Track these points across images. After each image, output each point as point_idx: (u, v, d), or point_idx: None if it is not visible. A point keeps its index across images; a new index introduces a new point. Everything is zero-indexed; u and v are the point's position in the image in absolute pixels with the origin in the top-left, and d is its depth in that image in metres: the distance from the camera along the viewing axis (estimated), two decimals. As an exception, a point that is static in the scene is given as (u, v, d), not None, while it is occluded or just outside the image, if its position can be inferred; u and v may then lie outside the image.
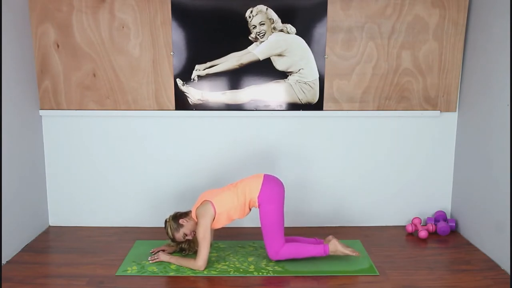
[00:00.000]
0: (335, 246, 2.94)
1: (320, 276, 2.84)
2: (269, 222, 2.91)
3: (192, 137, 3.55)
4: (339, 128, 3.55)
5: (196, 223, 2.96)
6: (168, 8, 3.32)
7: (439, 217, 3.59)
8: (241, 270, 2.91)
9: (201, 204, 2.96)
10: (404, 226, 3.63)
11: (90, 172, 3.58)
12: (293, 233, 3.22)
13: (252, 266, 2.96)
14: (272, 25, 3.36)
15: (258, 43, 3.38)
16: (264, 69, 3.41)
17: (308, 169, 3.60)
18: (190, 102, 3.46)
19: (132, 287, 2.72)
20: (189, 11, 3.33)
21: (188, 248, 3.07)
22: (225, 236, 3.37)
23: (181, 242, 3.04)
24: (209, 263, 2.94)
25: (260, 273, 2.87)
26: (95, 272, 2.89)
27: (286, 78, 3.44)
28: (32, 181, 3.40)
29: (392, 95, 3.48)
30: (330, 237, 3.04)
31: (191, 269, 2.89)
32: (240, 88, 3.45)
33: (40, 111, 3.46)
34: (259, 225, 2.95)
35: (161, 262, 2.99)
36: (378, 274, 2.87)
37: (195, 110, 3.46)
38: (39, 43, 3.35)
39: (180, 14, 3.33)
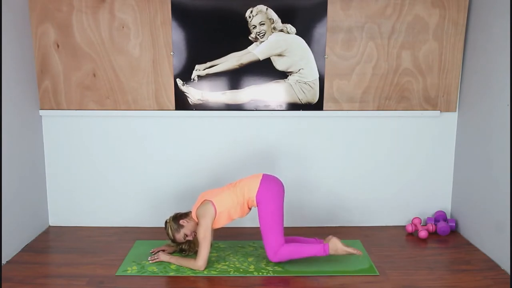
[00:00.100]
0: (335, 245, 2.91)
1: (320, 276, 2.84)
2: (267, 221, 2.90)
3: (192, 137, 3.55)
4: (339, 128, 3.55)
5: (197, 224, 2.96)
6: (168, 8, 3.32)
7: (439, 217, 3.59)
8: (241, 270, 2.91)
9: (201, 204, 2.96)
10: (404, 226, 3.63)
11: (90, 172, 3.59)
12: (293, 233, 3.21)
13: (252, 266, 2.96)
14: (272, 25, 3.36)
15: (258, 43, 3.38)
16: (264, 69, 3.41)
17: (308, 169, 3.60)
18: (190, 102, 3.46)
19: (132, 287, 2.72)
20: (189, 11, 3.33)
21: (188, 248, 3.07)
22: (225, 236, 3.37)
23: (182, 243, 3.03)
24: (209, 263, 2.94)
25: (260, 273, 2.87)
26: (95, 272, 2.89)
27: (286, 78, 3.44)
28: (32, 181, 3.40)
29: (392, 95, 3.48)
30: (330, 236, 3.03)
31: (191, 269, 2.89)
32: (240, 88, 3.45)
33: (40, 111, 3.46)
34: (259, 225, 2.95)
35: (161, 262, 2.99)
36: (378, 274, 2.87)
37: (195, 110, 3.46)
38: (39, 43, 3.35)
39: (180, 14, 3.33)
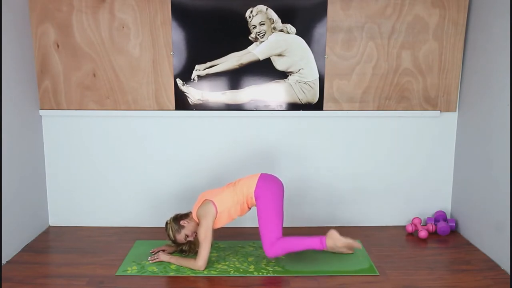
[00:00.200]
0: (333, 237, 2.87)
1: (320, 276, 2.84)
2: (265, 215, 2.89)
3: (192, 137, 3.55)
4: (339, 128, 3.55)
5: (197, 224, 2.96)
6: (168, 8, 3.32)
7: (439, 217, 3.59)
8: (241, 270, 2.91)
9: (202, 203, 2.96)
10: (404, 226, 3.63)
11: (90, 172, 3.59)
12: (293, 233, 3.19)
13: (252, 266, 2.96)
14: (272, 25, 3.36)
15: (258, 43, 3.38)
16: (264, 69, 3.41)
17: (308, 169, 3.60)
18: (190, 102, 3.46)
19: (132, 287, 2.72)
20: (189, 11, 3.33)
21: (188, 249, 3.07)
22: (225, 236, 3.37)
23: (182, 244, 3.03)
24: (209, 263, 2.94)
25: (260, 273, 2.87)
26: (95, 272, 2.89)
27: (286, 78, 3.44)
28: (32, 181, 3.40)
29: (392, 95, 3.48)
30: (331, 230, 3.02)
31: (191, 269, 2.89)
32: (240, 88, 3.45)
33: (40, 111, 3.46)
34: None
35: (161, 262, 2.99)
36: (378, 274, 2.87)
37: (195, 110, 3.46)
38: (39, 43, 3.35)
39: (180, 14, 3.33)
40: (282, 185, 3.06)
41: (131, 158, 3.57)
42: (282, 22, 3.36)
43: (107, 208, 3.63)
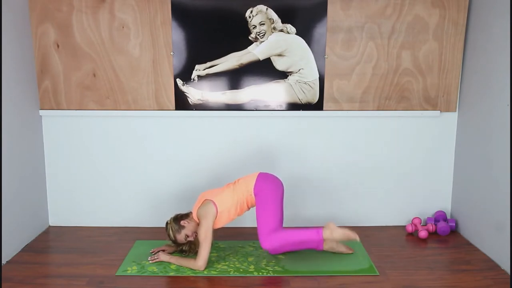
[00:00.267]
0: (330, 227, 2.88)
1: (320, 276, 2.84)
2: (262, 209, 2.91)
3: (192, 137, 3.55)
4: (339, 128, 3.55)
5: (198, 224, 2.96)
6: (168, 8, 3.32)
7: (439, 217, 3.59)
8: (241, 270, 2.91)
9: (202, 203, 2.96)
10: (404, 226, 3.63)
11: (90, 172, 3.58)
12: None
13: (252, 266, 2.96)
14: (272, 25, 3.36)
15: (258, 43, 3.38)
16: (264, 69, 3.41)
17: (308, 169, 3.60)
18: (190, 102, 3.46)
19: (132, 287, 2.72)
20: (189, 11, 3.33)
21: (189, 249, 3.07)
22: (225, 236, 3.37)
23: (183, 244, 3.03)
24: (209, 263, 2.94)
25: (260, 273, 2.87)
26: (95, 272, 2.89)
27: (286, 78, 3.44)
28: (32, 181, 3.40)
29: (392, 95, 3.48)
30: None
31: (191, 269, 2.89)
32: (240, 88, 3.45)
33: (40, 111, 3.46)
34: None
35: (161, 262, 2.99)
36: (378, 274, 2.87)
37: (195, 110, 3.46)
38: (39, 43, 3.35)
39: (180, 14, 3.33)
40: (282, 184, 3.07)
41: (131, 158, 3.57)
42: (282, 22, 3.36)
43: (107, 208, 3.63)
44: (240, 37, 3.37)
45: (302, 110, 3.48)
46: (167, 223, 3.01)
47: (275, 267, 2.94)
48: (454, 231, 3.55)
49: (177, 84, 3.43)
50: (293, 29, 3.37)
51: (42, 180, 3.55)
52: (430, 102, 3.50)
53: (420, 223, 3.52)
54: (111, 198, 3.62)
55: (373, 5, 3.34)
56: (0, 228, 2.88)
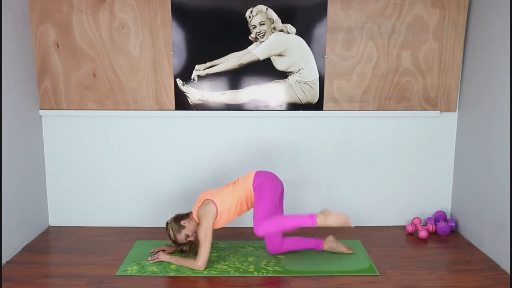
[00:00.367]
0: (324, 212, 2.83)
1: (320, 276, 2.84)
2: (259, 199, 2.91)
3: (192, 137, 3.55)
4: (339, 128, 3.55)
5: (198, 224, 2.96)
6: (168, 8, 3.32)
7: (439, 217, 3.59)
8: (241, 270, 2.91)
9: (202, 203, 2.96)
10: (404, 226, 3.63)
11: (90, 172, 3.58)
12: (293, 233, 3.21)
13: (252, 266, 2.96)
14: (272, 25, 3.36)
15: (258, 43, 3.38)
16: (264, 69, 3.41)
17: (308, 169, 3.60)
18: (190, 102, 3.46)
19: (132, 287, 2.72)
20: (189, 11, 3.33)
21: (189, 249, 3.07)
22: (225, 236, 3.37)
23: (183, 244, 3.03)
24: (209, 263, 2.94)
25: (260, 273, 2.87)
26: (95, 272, 2.89)
27: (286, 78, 3.44)
28: (32, 181, 3.40)
29: (392, 95, 3.48)
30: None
31: (191, 269, 2.89)
32: (240, 88, 3.45)
33: (40, 111, 3.46)
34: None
35: (161, 262, 2.99)
36: (378, 274, 2.87)
37: (195, 110, 3.46)
38: (39, 43, 3.35)
39: (180, 14, 3.33)
40: (282, 183, 3.08)
41: (131, 158, 3.57)
42: (282, 22, 3.36)
43: (107, 208, 3.63)
44: (240, 37, 3.37)
45: (302, 110, 3.48)
46: (167, 223, 3.01)
47: (275, 267, 2.94)
48: (454, 231, 3.55)
49: (177, 84, 3.43)
50: (293, 29, 3.37)
51: (42, 180, 3.55)
52: (430, 102, 3.50)
53: (420, 223, 3.52)
54: (111, 198, 3.62)
55: (373, 5, 3.34)
56: (0, 228, 2.88)
